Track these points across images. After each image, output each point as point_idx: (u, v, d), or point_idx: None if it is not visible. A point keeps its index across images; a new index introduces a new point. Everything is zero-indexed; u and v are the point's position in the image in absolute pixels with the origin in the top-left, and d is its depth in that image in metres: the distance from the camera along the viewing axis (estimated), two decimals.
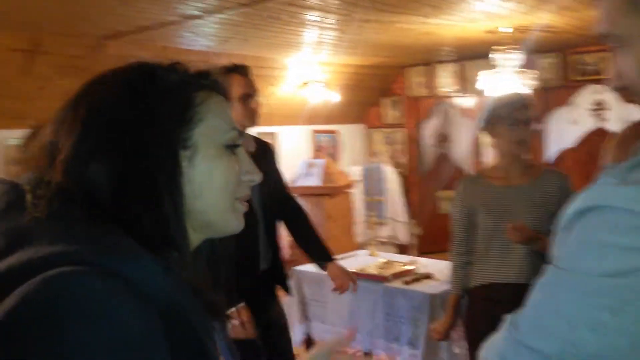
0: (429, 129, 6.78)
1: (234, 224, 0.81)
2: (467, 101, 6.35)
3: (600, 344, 0.64)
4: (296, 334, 3.58)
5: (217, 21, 3.61)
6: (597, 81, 5.03)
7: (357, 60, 5.78)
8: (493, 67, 4.58)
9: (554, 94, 5.50)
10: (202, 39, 4.19)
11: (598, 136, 4.94)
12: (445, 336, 2.64)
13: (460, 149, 6.67)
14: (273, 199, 2.48)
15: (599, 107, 5.21)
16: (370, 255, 4.17)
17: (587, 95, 5.31)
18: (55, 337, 0.54)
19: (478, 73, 4.88)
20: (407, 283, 3.34)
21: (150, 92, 0.73)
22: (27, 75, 3.96)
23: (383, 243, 6.06)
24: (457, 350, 3.05)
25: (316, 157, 5.83)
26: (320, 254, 2.64)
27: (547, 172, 2.42)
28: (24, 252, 0.61)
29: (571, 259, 0.68)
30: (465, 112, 6.49)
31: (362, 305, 3.38)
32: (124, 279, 0.60)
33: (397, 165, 6.69)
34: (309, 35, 4.28)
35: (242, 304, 2.18)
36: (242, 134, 0.77)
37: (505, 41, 4.42)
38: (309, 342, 3.69)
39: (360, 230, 6.04)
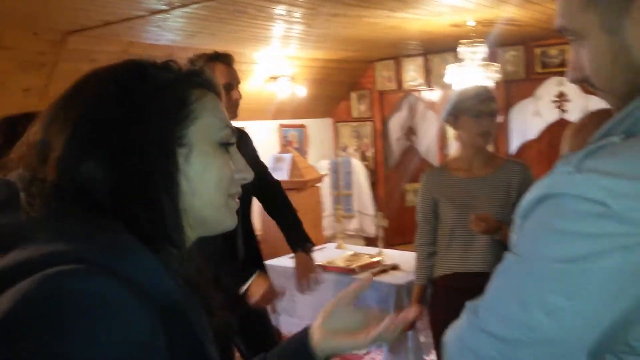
0: (396, 123, 6.84)
1: (228, 221, 0.81)
2: (433, 94, 6.42)
3: (556, 327, 0.66)
4: None
5: (183, 15, 3.57)
6: (561, 73, 5.13)
7: (324, 55, 5.79)
8: (458, 60, 4.64)
9: (518, 86, 5.61)
10: (168, 34, 4.15)
11: (559, 127, 5.05)
12: (411, 326, 2.69)
13: (427, 141, 6.75)
14: (254, 183, 2.46)
15: (560, 99, 5.33)
16: (338, 248, 4.21)
17: (550, 87, 5.42)
18: (56, 336, 0.54)
19: (444, 66, 4.94)
20: (373, 274, 3.38)
21: (145, 90, 0.73)
22: None
23: (351, 236, 6.12)
24: (422, 339, 3.11)
25: (284, 151, 5.82)
26: (295, 240, 2.61)
27: (508, 163, 2.48)
28: (21, 251, 0.60)
29: (528, 246, 0.70)
30: (431, 105, 6.56)
31: (329, 297, 3.39)
32: (124, 278, 0.60)
33: (364, 158, 6.74)
34: (277, 29, 4.27)
35: (256, 273, 2.17)
36: (234, 131, 0.77)
37: (470, 35, 4.48)
38: (277, 336, 3.70)
39: (328, 224, 6.08)
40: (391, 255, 3.85)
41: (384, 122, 6.75)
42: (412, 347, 3.16)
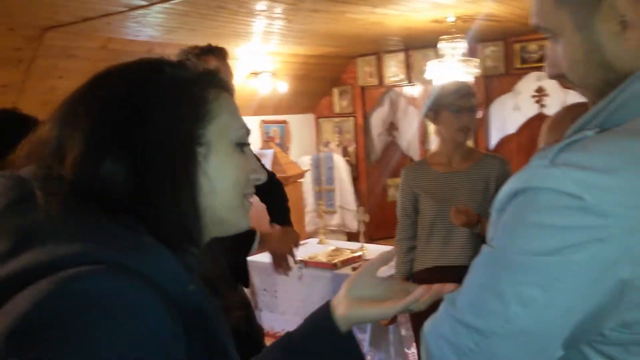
0: (378, 118, 6.86)
1: (243, 222, 0.81)
2: (414, 90, 6.45)
3: (531, 318, 0.67)
4: None
5: (163, 11, 3.54)
6: (540, 69, 5.17)
7: (306, 50, 5.78)
8: (439, 56, 4.67)
9: (498, 81, 5.65)
10: (147, 29, 4.11)
11: (538, 121, 5.11)
12: (392, 320, 2.71)
13: (408, 136, 6.78)
14: None
15: (539, 94, 5.39)
16: (320, 243, 4.22)
17: (529, 82, 5.47)
18: (77, 338, 0.53)
19: (425, 62, 4.96)
20: (355, 269, 3.40)
21: (165, 89, 0.72)
22: None
23: (333, 231, 6.13)
24: (403, 332, 3.13)
25: (265, 147, 5.81)
26: (277, 217, 2.52)
27: (487, 157, 2.51)
28: (40, 251, 0.59)
29: (504, 239, 0.71)
30: (412, 100, 6.59)
31: (311, 292, 3.42)
32: (147, 278, 0.59)
33: (346, 154, 6.75)
34: (258, 25, 4.26)
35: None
36: (249, 132, 0.77)
37: (450, 31, 4.51)
38: (260, 333, 3.71)
39: (310, 219, 6.09)
40: (373, 250, 3.87)
41: (366, 118, 6.76)
42: (394, 340, 3.19)
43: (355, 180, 6.70)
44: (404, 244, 2.55)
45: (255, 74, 5.70)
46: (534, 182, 0.68)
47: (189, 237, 0.71)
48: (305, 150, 6.80)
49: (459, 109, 2.40)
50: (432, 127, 3.25)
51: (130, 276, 0.58)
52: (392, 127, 6.94)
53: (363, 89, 6.66)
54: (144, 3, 3.29)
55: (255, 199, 2.66)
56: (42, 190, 0.65)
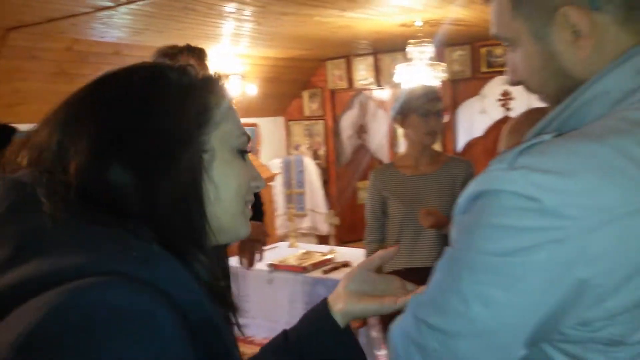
0: (348, 121, 6.89)
1: (243, 229, 0.80)
2: (383, 93, 6.50)
3: (493, 318, 0.69)
4: None
5: (129, 12, 3.50)
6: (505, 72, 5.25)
7: (275, 53, 5.78)
8: (408, 59, 4.72)
9: (465, 85, 5.73)
10: (114, 31, 4.06)
11: (504, 124, 5.18)
12: (363, 322, 2.73)
13: (378, 139, 6.83)
14: None
15: (505, 97, 5.48)
16: (291, 246, 4.22)
17: (496, 86, 5.56)
18: (87, 351, 0.51)
19: (394, 65, 5.00)
20: (325, 272, 3.42)
21: (170, 94, 0.71)
22: None
23: (304, 234, 6.13)
24: (373, 334, 3.15)
25: None
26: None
27: (453, 160, 2.56)
28: (46, 259, 0.57)
29: (465, 241, 0.72)
30: (381, 103, 6.64)
31: (282, 296, 3.42)
32: (157, 289, 0.58)
33: (317, 157, 6.76)
34: (227, 27, 4.24)
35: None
36: (249, 139, 0.76)
37: (418, 35, 4.56)
38: None
39: (280, 223, 6.08)
40: (343, 253, 3.89)
41: (336, 121, 6.79)
42: (364, 342, 3.21)
43: (326, 183, 6.71)
44: (372, 246, 2.57)
45: (225, 76, 5.66)
46: (493, 184, 0.69)
47: (197, 245, 0.70)
48: (275, 153, 6.79)
49: (426, 112, 2.43)
50: (401, 130, 3.30)
51: (141, 287, 0.56)
52: (361, 130, 6.98)
53: (333, 92, 6.68)
54: (110, 4, 3.25)
55: None
56: (47, 196, 0.63)
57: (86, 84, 0.73)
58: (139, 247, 0.61)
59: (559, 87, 0.79)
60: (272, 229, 5.69)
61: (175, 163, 0.68)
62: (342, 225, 6.29)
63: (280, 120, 7.04)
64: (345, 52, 6.11)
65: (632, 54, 0.74)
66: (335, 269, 3.48)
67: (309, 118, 6.87)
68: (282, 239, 5.17)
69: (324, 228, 6.31)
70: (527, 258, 0.66)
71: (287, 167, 6.44)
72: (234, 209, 0.77)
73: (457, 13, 4.11)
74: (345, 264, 3.55)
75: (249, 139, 0.81)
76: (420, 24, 4.40)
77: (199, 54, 2.23)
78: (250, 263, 2.41)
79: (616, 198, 0.65)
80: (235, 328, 0.79)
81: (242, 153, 0.79)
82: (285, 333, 0.96)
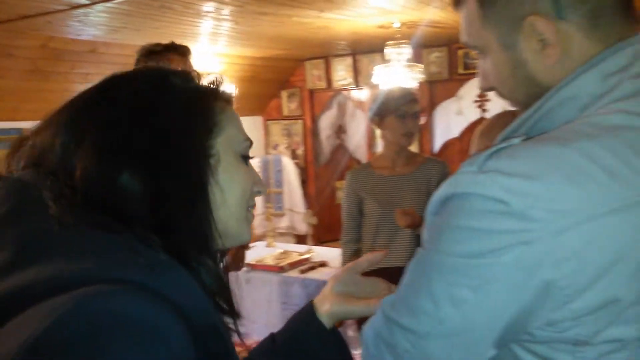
0: (326, 121, 6.90)
1: (246, 234, 0.81)
2: (362, 94, 6.52)
3: (463, 319, 0.70)
4: None
5: (106, 10, 3.47)
6: None
7: (254, 52, 5.76)
8: (386, 61, 4.74)
9: (442, 86, 5.77)
10: (90, 29, 4.01)
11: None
12: (340, 322, 2.74)
13: (356, 140, 6.85)
14: None
15: (481, 99, 5.53)
16: (268, 246, 4.22)
17: (472, 88, 5.59)
18: (102, 356, 0.51)
19: (372, 66, 5.03)
20: (302, 272, 3.42)
21: (176, 100, 0.71)
22: None
23: (282, 234, 6.12)
24: (350, 333, 3.16)
25: None
26: None
27: (428, 161, 2.59)
28: (51, 264, 0.57)
29: (436, 242, 0.74)
30: (360, 104, 6.66)
31: (259, 296, 3.42)
32: (165, 298, 0.57)
33: (295, 156, 6.75)
34: (205, 26, 4.22)
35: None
36: (252, 144, 0.77)
37: (396, 36, 4.58)
38: None
39: (258, 222, 6.06)
40: (320, 253, 3.90)
41: (314, 121, 6.79)
42: None
43: (304, 182, 6.71)
44: (348, 246, 2.59)
45: (204, 75, 5.63)
46: (463, 187, 0.71)
47: (205, 250, 0.70)
48: (253, 153, 6.71)
49: (404, 114, 2.46)
50: (379, 131, 3.33)
51: (148, 296, 0.56)
52: (340, 130, 6.99)
53: (312, 92, 6.68)
54: (85, 2, 3.21)
55: None
56: (53, 199, 0.62)
57: (91, 87, 0.73)
58: (145, 255, 0.61)
59: (528, 93, 0.81)
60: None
61: (183, 168, 0.69)
62: (320, 225, 6.29)
63: (258, 120, 7.02)
64: (324, 52, 6.12)
65: (599, 59, 0.76)
66: (312, 268, 3.49)
67: (287, 118, 6.86)
68: (260, 238, 5.16)
69: (302, 228, 6.31)
70: (495, 260, 0.67)
71: (265, 166, 6.42)
72: (239, 213, 0.77)
73: (434, 15, 4.14)
74: (323, 264, 3.56)
75: (251, 143, 0.81)
76: (398, 25, 4.43)
77: (182, 52, 2.24)
78: (238, 267, 2.42)
79: (582, 201, 0.66)
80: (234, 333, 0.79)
81: (245, 158, 0.80)
82: (272, 336, 0.97)
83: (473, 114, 5.61)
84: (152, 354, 0.53)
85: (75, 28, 3.97)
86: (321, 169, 6.92)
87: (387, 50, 4.59)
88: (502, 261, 0.67)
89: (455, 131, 5.79)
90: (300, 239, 6.14)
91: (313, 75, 6.54)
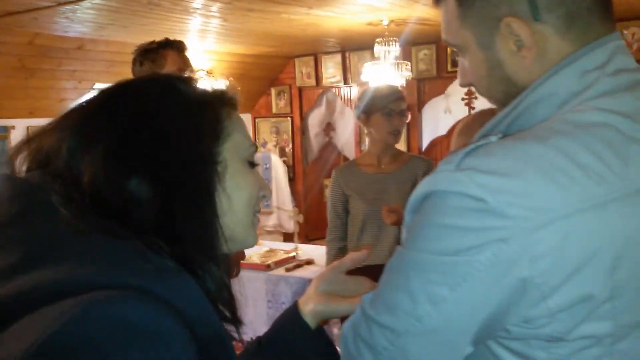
0: (315, 119, 6.89)
1: (252, 239, 0.81)
2: (351, 91, 6.53)
3: (441, 317, 0.70)
4: None
5: (93, 7, 3.45)
6: None
7: (243, 50, 5.75)
8: (375, 58, 4.75)
9: (430, 84, 5.79)
10: (77, 25, 3.99)
11: None
12: (326, 321, 2.75)
13: (345, 137, 6.85)
14: None
15: (469, 97, 5.55)
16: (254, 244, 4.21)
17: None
18: None
19: (361, 64, 5.04)
20: (288, 270, 3.42)
21: (184, 106, 0.72)
22: None
23: (270, 232, 6.12)
24: (336, 331, 3.17)
25: None
26: None
27: (413, 159, 2.60)
28: (60, 268, 0.57)
29: (414, 240, 0.74)
30: (349, 101, 6.66)
31: (245, 294, 3.42)
32: (171, 306, 0.58)
33: (284, 154, 6.75)
34: (193, 23, 4.20)
35: None
36: (257, 149, 0.78)
37: (385, 34, 4.59)
38: None
39: None
40: (307, 250, 3.90)
41: (303, 118, 6.79)
42: None
43: (292, 180, 6.71)
44: (334, 244, 2.59)
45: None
46: (441, 185, 0.71)
47: (211, 256, 0.70)
48: None
49: (390, 112, 2.46)
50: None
51: (155, 303, 0.57)
52: (329, 127, 6.99)
53: (300, 89, 6.68)
54: None
55: None
56: (63, 204, 0.62)
57: (99, 93, 0.73)
58: (152, 261, 0.61)
59: (505, 92, 0.82)
60: None
61: (191, 175, 0.69)
62: (308, 223, 6.29)
63: (247, 117, 7.01)
64: (314, 49, 6.12)
65: (577, 56, 0.76)
66: (298, 266, 3.49)
67: (276, 115, 6.85)
68: None
69: (290, 225, 6.30)
70: (473, 257, 0.68)
71: None
72: (245, 219, 0.78)
73: (422, 12, 4.15)
74: (309, 262, 3.57)
75: (256, 148, 0.82)
76: (387, 23, 4.43)
77: (178, 47, 2.23)
78: (237, 271, 2.45)
79: (558, 199, 0.67)
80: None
81: (252, 164, 0.80)
82: (258, 339, 0.97)
83: (461, 112, 5.63)
84: (156, 359, 0.53)
85: (62, 25, 3.95)
86: (310, 167, 6.92)
87: (376, 48, 4.59)
88: (480, 258, 0.67)
89: (443, 129, 5.81)
90: (288, 237, 6.14)
91: (302, 72, 6.54)
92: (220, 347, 0.65)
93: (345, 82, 6.26)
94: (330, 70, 6.32)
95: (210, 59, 5.71)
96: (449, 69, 5.55)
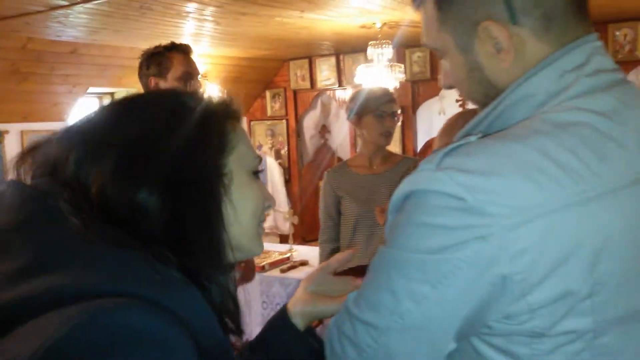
0: (310, 121, 6.90)
1: (258, 248, 0.82)
2: (345, 93, 6.54)
3: (423, 314, 0.72)
4: None
5: (85, 11, 3.45)
6: None
7: (237, 53, 5.76)
8: (368, 61, 4.76)
9: (424, 86, 5.81)
10: (70, 30, 3.99)
11: None
12: (320, 322, 2.75)
13: (340, 139, 6.86)
14: None
15: (462, 98, 5.57)
16: None
17: None
18: None
19: (356, 66, 5.05)
20: (283, 271, 3.43)
21: (191, 120, 0.73)
22: None
23: (266, 233, 6.12)
24: None
25: None
26: None
27: (405, 160, 2.62)
28: (66, 274, 0.57)
29: (397, 239, 0.75)
30: (343, 104, 6.68)
31: (239, 295, 3.42)
32: (177, 316, 0.59)
33: (279, 156, 6.76)
34: (186, 26, 4.21)
35: None
36: (261, 160, 0.79)
37: (378, 36, 4.60)
38: None
39: None
40: (302, 252, 3.92)
41: (298, 121, 6.79)
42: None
43: (288, 182, 6.72)
44: (327, 245, 2.60)
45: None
46: (421, 185, 0.72)
47: (218, 267, 0.71)
48: None
49: (382, 113, 2.47)
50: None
51: (161, 313, 0.57)
52: (324, 130, 7.00)
53: (295, 92, 6.69)
54: (64, 3, 3.20)
55: None
56: (73, 213, 0.63)
57: (106, 106, 0.75)
58: (159, 272, 0.62)
59: (485, 94, 0.83)
60: None
61: (198, 188, 0.70)
62: (304, 224, 6.29)
63: (242, 120, 7.01)
64: (308, 52, 6.13)
65: (555, 57, 0.77)
66: (293, 267, 3.50)
67: (271, 118, 6.86)
68: None
69: (286, 227, 6.31)
70: (453, 255, 0.69)
71: None
72: (251, 229, 0.79)
73: (415, 15, 4.13)
74: (303, 263, 3.58)
75: (260, 160, 0.83)
76: (380, 26, 4.45)
77: (184, 50, 2.26)
78: (252, 276, 2.50)
79: (537, 197, 0.68)
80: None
81: (256, 174, 0.81)
82: (249, 344, 0.99)
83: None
84: None
85: (55, 29, 3.95)
86: (305, 169, 6.92)
87: (369, 51, 4.60)
88: (460, 256, 0.68)
89: (437, 130, 5.80)
90: (284, 239, 6.15)
91: (297, 75, 6.55)
92: (222, 357, 0.66)
93: (340, 84, 6.27)
94: (325, 72, 6.33)
95: (205, 63, 5.71)
96: None
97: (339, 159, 6.70)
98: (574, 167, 0.69)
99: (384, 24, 4.41)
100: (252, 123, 7.01)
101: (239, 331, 0.77)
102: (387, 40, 4.59)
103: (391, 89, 2.95)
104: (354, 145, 6.47)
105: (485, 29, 0.78)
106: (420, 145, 5.94)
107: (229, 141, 0.76)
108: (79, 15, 3.55)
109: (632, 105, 0.77)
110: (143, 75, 2.25)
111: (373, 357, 0.76)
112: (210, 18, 3.94)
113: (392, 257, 0.75)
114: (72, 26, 3.89)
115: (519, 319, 0.71)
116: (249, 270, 2.54)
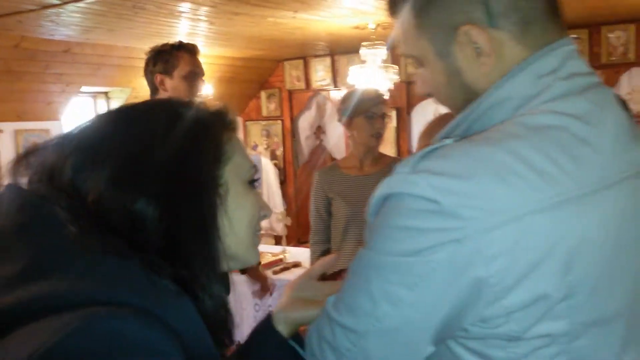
0: (305, 122, 6.90)
1: (254, 257, 0.83)
2: (340, 94, 6.54)
3: (400, 317, 0.72)
4: None
5: (78, 10, 3.44)
6: None
7: (232, 53, 5.75)
8: (362, 61, 4.76)
9: None
10: (63, 29, 3.98)
11: None
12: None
13: (335, 140, 6.86)
14: None
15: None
16: None
17: None
18: None
19: (349, 67, 5.05)
20: (275, 273, 3.43)
21: (188, 130, 0.73)
22: None
23: (261, 235, 6.12)
24: None
25: None
26: None
27: (395, 161, 2.62)
28: (60, 281, 0.58)
29: (374, 242, 0.75)
30: (338, 104, 6.68)
31: (231, 297, 3.42)
32: (169, 326, 0.59)
33: (274, 157, 6.76)
34: (180, 26, 4.21)
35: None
36: (257, 170, 0.79)
37: (372, 37, 4.60)
38: None
39: None
40: (295, 253, 3.92)
41: (293, 121, 6.79)
42: None
43: (283, 183, 6.71)
44: (317, 247, 2.61)
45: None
46: (397, 188, 0.72)
47: (212, 277, 0.71)
48: None
49: (372, 115, 2.48)
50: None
51: (154, 323, 0.58)
52: (319, 130, 7.00)
53: (290, 92, 6.69)
54: (56, 2, 3.19)
55: None
56: (71, 220, 0.63)
57: (102, 115, 0.75)
58: (154, 282, 0.63)
59: (464, 100, 0.82)
60: None
61: (196, 198, 0.71)
62: (299, 225, 6.30)
63: (239, 127, 7.00)
64: (303, 53, 6.13)
65: (530, 61, 0.77)
66: (285, 269, 3.50)
67: (266, 118, 6.86)
68: None
69: (280, 228, 6.32)
70: (429, 258, 0.69)
71: None
72: (247, 239, 0.79)
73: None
74: (296, 264, 3.58)
75: (256, 170, 0.83)
76: (373, 26, 4.45)
77: (191, 50, 2.29)
78: (268, 287, 2.57)
79: (511, 200, 0.68)
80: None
81: (252, 183, 0.81)
82: (238, 350, 0.99)
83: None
84: None
85: (48, 28, 3.95)
86: (300, 170, 6.92)
87: (362, 51, 4.60)
88: (435, 259, 0.68)
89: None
90: (279, 240, 6.15)
91: (292, 75, 6.55)
92: None
93: (335, 85, 6.27)
94: (320, 73, 6.33)
95: None
96: None
97: (334, 160, 6.71)
98: (548, 170, 0.69)
99: (378, 24, 4.41)
100: (247, 123, 7.00)
101: (231, 342, 0.77)
102: (381, 41, 4.59)
103: (385, 90, 2.95)
104: (349, 146, 6.48)
105: (466, 33, 0.78)
106: (414, 146, 5.94)
107: (224, 152, 0.76)
108: (71, 14, 3.54)
109: (607, 109, 0.77)
110: (149, 72, 2.27)
111: None
112: (204, 18, 3.94)
113: (369, 260, 0.75)
114: (65, 25, 3.88)
115: (495, 322, 0.71)
116: (265, 282, 2.60)
